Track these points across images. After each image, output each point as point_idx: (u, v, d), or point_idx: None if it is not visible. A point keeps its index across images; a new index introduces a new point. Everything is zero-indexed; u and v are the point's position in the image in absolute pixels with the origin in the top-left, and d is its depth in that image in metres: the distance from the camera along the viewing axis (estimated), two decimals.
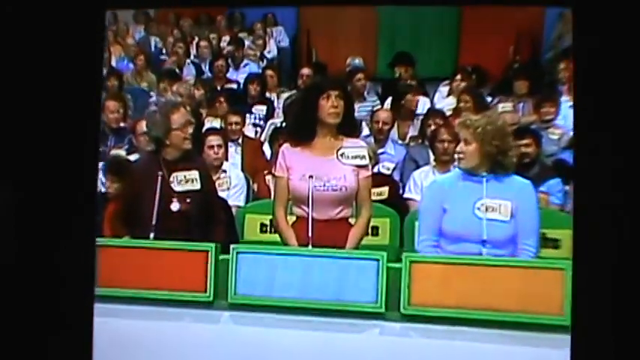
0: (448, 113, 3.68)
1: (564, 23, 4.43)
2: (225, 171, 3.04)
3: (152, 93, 4.44)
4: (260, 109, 4.20)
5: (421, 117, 3.68)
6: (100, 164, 2.42)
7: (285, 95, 4.25)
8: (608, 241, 1.19)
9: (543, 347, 1.63)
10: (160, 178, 2.20)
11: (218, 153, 3.02)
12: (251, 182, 3.17)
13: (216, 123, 3.80)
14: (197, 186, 2.28)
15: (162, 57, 5.20)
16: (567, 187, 2.77)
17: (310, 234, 1.98)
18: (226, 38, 5.29)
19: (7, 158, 1.27)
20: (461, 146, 2.04)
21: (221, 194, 2.73)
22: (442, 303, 1.74)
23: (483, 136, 1.98)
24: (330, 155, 2.12)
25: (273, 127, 3.79)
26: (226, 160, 3.17)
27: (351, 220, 2.15)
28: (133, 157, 3.03)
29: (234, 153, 3.51)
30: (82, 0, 1.26)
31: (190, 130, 2.33)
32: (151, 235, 2.10)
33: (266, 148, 3.60)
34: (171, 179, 2.26)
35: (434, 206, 2.03)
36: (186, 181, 2.28)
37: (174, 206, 2.24)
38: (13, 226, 1.27)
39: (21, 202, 1.27)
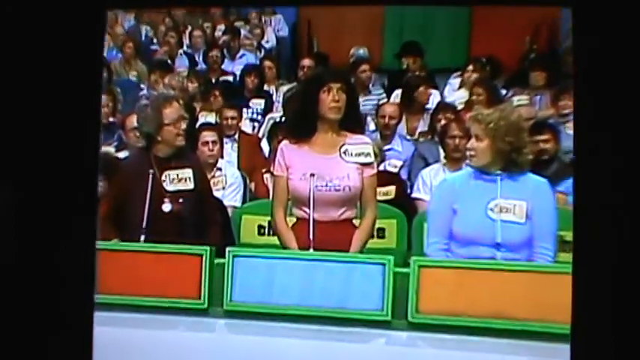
0: (459, 107, 3.68)
1: None
2: (220, 169, 3.04)
3: (143, 86, 4.44)
4: (258, 103, 4.20)
5: (430, 111, 3.68)
6: None
7: (284, 88, 4.25)
8: (609, 241, 1.22)
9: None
10: (150, 176, 2.21)
11: (213, 150, 3.02)
12: (248, 181, 3.18)
13: (211, 118, 3.81)
14: (190, 185, 2.29)
15: (154, 47, 5.21)
16: None
17: (311, 236, 1.98)
18: (221, 27, 5.29)
19: (7, 158, 1.32)
20: (472, 142, 2.04)
21: (216, 194, 2.74)
22: (453, 311, 1.73)
23: (496, 132, 1.98)
24: (332, 153, 2.12)
25: (271, 122, 3.79)
26: (222, 157, 3.17)
27: (355, 222, 2.15)
28: (122, 154, 3.04)
29: (230, 150, 3.52)
30: (82, 0, 1.31)
31: (183, 125, 2.33)
32: (142, 238, 2.10)
33: (264, 145, 3.60)
34: (163, 178, 2.26)
35: (444, 207, 2.03)
36: (178, 179, 2.28)
37: (166, 207, 2.25)
38: (13, 226, 1.31)
39: (21, 202, 1.32)
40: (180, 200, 2.26)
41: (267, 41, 5.29)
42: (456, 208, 2.02)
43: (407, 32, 5.12)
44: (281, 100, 4.06)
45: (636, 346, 1.22)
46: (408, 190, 3.09)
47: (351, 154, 2.12)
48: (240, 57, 4.96)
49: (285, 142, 2.19)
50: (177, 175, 2.28)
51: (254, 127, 4.05)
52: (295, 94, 3.29)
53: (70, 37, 1.29)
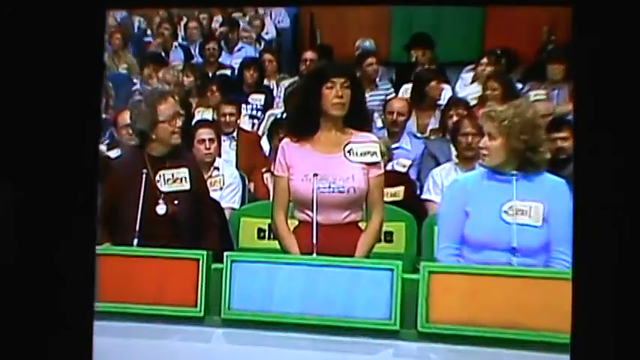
0: (472, 102, 3.67)
1: None
2: (217, 168, 3.05)
3: (135, 80, 4.45)
4: (257, 99, 4.21)
5: (441, 107, 3.68)
6: None
7: (285, 83, 4.26)
8: (609, 241, 1.27)
9: None
10: (144, 176, 2.22)
11: (210, 148, 3.03)
12: (247, 181, 3.18)
13: (208, 114, 3.82)
14: (186, 186, 2.30)
15: (147, 39, 5.22)
16: None
17: (314, 240, 1.99)
18: (218, 18, 5.29)
19: (7, 158, 1.38)
20: (484, 141, 2.04)
21: (213, 195, 2.74)
22: (465, 320, 1.74)
23: (510, 130, 1.98)
24: (335, 152, 2.12)
25: (272, 118, 3.80)
26: (219, 156, 3.18)
27: (361, 225, 2.16)
28: (114, 153, 3.05)
29: (229, 148, 3.52)
30: (82, 0, 1.36)
31: (179, 122, 2.34)
32: (135, 242, 2.11)
33: (264, 143, 3.61)
34: (157, 178, 2.27)
35: (455, 209, 2.03)
36: (174, 180, 2.29)
37: (161, 209, 2.26)
38: (13, 226, 1.38)
39: (21, 202, 1.38)
40: (176, 202, 2.27)
41: (267, 33, 5.29)
42: (469, 210, 2.02)
43: (416, 23, 5.10)
44: (282, 95, 4.06)
45: (638, 348, 1.26)
46: (418, 191, 3.09)
47: (356, 154, 2.12)
48: (239, 49, 4.96)
49: (286, 140, 2.20)
50: (173, 175, 2.29)
51: (253, 124, 4.06)
52: (296, 89, 3.30)
53: (70, 37, 1.35)
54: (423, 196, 3.03)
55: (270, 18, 5.39)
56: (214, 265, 1.89)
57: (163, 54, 4.85)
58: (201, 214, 2.35)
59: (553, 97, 3.79)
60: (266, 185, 3.11)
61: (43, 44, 1.36)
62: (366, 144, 2.14)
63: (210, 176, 2.97)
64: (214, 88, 4.05)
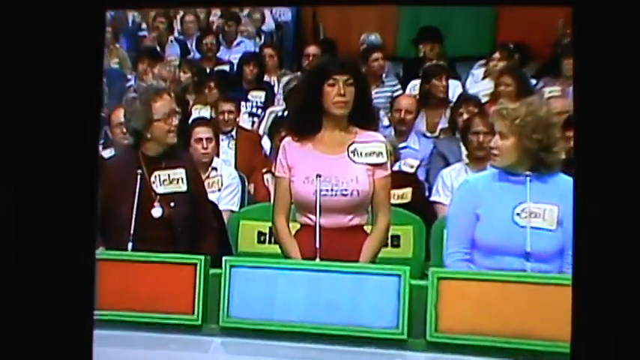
0: (484, 99, 3.67)
1: None
2: (216, 169, 3.06)
3: (130, 76, 4.47)
4: (257, 96, 4.22)
5: (451, 104, 3.68)
6: None
7: (286, 79, 4.26)
8: (609, 241, 1.29)
9: None
10: (139, 177, 2.22)
11: (208, 148, 3.04)
12: (247, 182, 3.19)
13: (206, 112, 3.83)
14: (183, 187, 2.30)
15: (142, 33, 5.23)
16: None
17: (317, 245, 1.99)
18: (217, 11, 5.31)
19: (7, 158, 1.43)
20: (495, 140, 2.04)
21: (211, 197, 2.75)
22: (476, 329, 1.74)
23: (522, 129, 1.98)
24: (339, 152, 2.13)
25: (272, 116, 3.80)
26: (217, 156, 3.19)
27: (367, 228, 2.16)
28: (107, 153, 3.06)
29: (227, 148, 3.53)
30: (82, 0, 1.41)
31: (175, 120, 2.34)
32: (129, 246, 2.12)
33: (265, 142, 3.61)
34: (152, 179, 2.28)
35: (465, 212, 2.04)
36: (170, 181, 2.30)
37: (156, 211, 2.26)
38: (13, 226, 1.43)
39: (21, 202, 1.43)
40: (172, 204, 2.28)
41: (268, 26, 5.30)
42: (479, 213, 2.02)
43: (424, 16, 5.10)
44: (283, 92, 4.07)
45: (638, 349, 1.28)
46: (426, 193, 3.09)
47: (361, 154, 2.12)
48: (238, 44, 4.97)
49: (287, 139, 2.20)
50: (169, 176, 2.30)
51: (253, 123, 4.07)
52: (297, 86, 3.30)
53: (70, 37, 1.39)
54: (432, 198, 3.03)
55: (271, 11, 5.40)
56: (212, 271, 1.90)
57: (159, 49, 4.86)
58: (199, 216, 2.35)
59: (568, 94, 3.78)
60: (266, 187, 3.12)
61: (43, 44, 1.40)
62: (372, 144, 2.14)
63: (208, 177, 2.98)
64: (212, 84, 4.06)
